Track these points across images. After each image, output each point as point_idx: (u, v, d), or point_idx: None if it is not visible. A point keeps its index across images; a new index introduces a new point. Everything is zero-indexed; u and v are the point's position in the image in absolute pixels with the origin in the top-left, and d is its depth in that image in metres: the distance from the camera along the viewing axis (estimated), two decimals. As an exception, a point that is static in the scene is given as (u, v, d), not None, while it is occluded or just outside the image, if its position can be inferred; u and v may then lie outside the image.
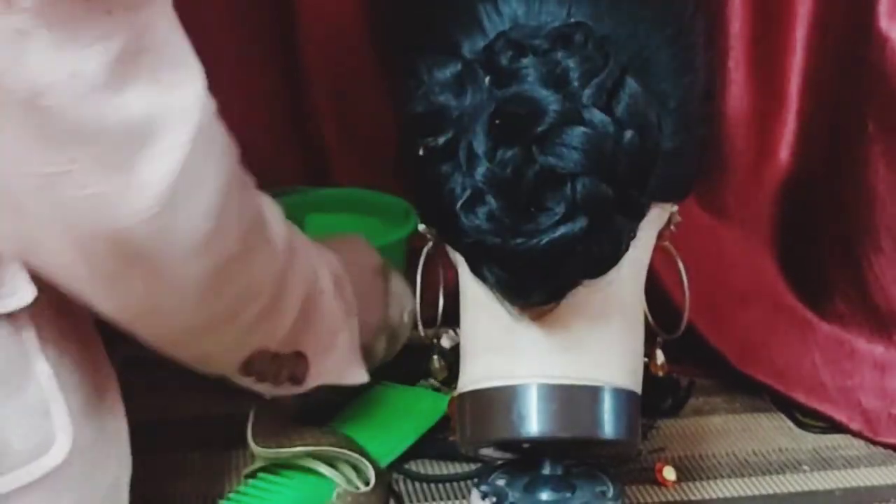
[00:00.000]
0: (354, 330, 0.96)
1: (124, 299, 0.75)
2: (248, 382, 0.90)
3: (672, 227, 0.96)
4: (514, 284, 0.84)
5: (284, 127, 1.38)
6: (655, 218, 0.90)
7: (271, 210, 0.85)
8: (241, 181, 0.77)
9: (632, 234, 0.84)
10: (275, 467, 0.98)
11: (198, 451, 1.08)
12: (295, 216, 1.33)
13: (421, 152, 0.83)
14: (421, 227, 0.97)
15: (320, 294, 0.89)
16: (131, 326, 0.78)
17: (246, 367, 0.87)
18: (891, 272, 1.18)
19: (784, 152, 1.31)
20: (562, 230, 0.79)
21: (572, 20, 0.83)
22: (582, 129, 0.79)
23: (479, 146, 0.80)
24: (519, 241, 0.80)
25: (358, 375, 0.96)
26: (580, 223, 0.79)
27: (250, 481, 0.98)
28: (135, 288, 0.73)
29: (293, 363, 0.91)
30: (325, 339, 0.91)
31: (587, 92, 0.80)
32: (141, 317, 0.77)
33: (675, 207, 0.95)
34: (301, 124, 1.37)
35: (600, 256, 0.83)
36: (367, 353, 1.00)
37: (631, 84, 0.81)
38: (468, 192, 0.80)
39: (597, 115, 0.79)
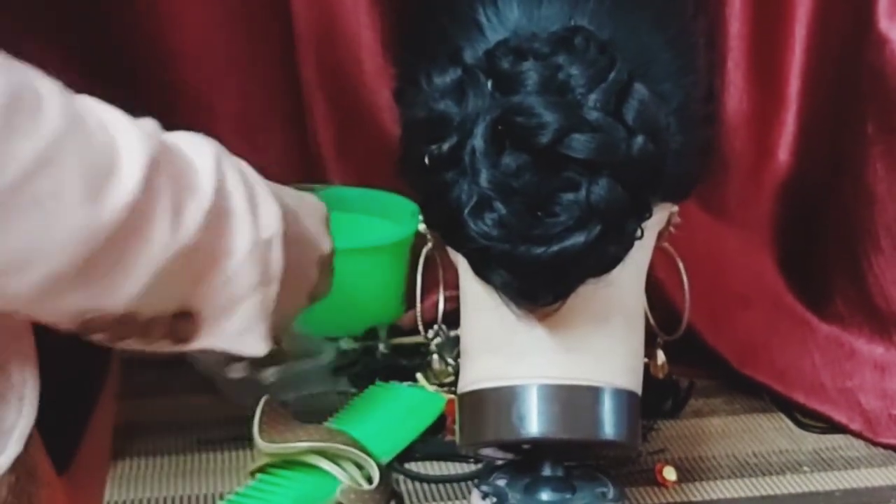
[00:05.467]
0: (269, 299, 0.86)
1: None
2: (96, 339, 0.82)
3: (672, 228, 0.96)
4: (522, 288, 0.84)
5: (284, 127, 1.39)
6: (656, 219, 0.90)
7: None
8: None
9: (639, 235, 0.84)
10: (280, 464, 0.98)
11: (198, 451, 1.08)
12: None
13: (426, 159, 0.83)
14: (421, 227, 0.97)
15: (225, 256, 0.82)
16: None
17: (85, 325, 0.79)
18: (890, 273, 1.18)
19: (784, 153, 1.31)
20: (575, 236, 0.79)
21: (573, 24, 0.83)
22: (589, 134, 0.79)
23: (483, 152, 0.80)
24: (529, 247, 0.80)
25: (257, 347, 0.87)
26: (595, 229, 0.79)
27: (255, 477, 0.98)
28: None
29: (172, 323, 0.83)
30: (223, 302, 0.84)
31: (593, 97, 0.80)
32: None
33: (676, 208, 0.95)
34: (301, 124, 1.37)
35: (609, 258, 0.83)
36: (284, 324, 0.93)
37: (639, 89, 0.81)
38: (475, 199, 0.80)
39: (604, 120, 0.79)
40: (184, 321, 0.82)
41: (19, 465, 0.79)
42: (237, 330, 0.85)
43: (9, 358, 0.81)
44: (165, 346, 0.83)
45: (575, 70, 0.80)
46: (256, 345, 0.86)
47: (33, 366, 0.82)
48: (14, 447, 0.79)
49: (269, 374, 1.14)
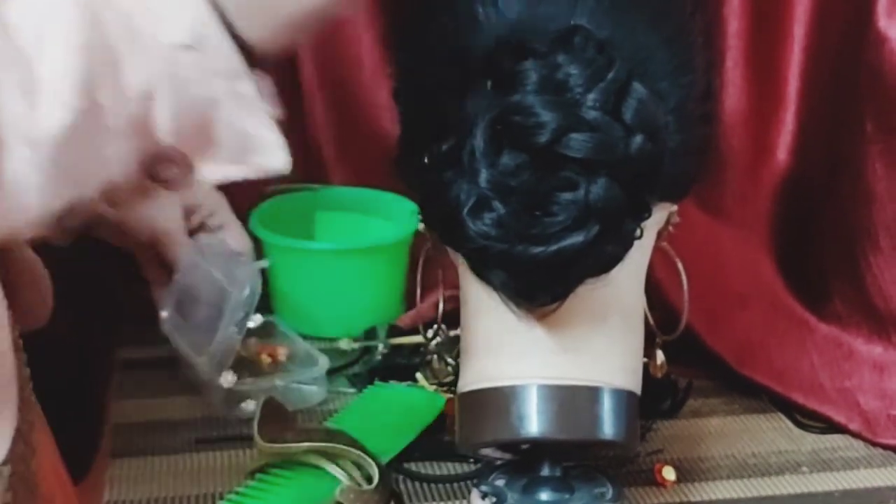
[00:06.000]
0: (244, 94, 0.66)
1: None
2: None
3: (670, 228, 0.96)
4: (521, 288, 0.84)
5: (284, 127, 1.38)
6: (655, 218, 0.90)
7: None
8: None
9: (638, 235, 0.84)
10: (279, 464, 0.98)
11: (197, 451, 1.08)
12: (305, 214, 1.35)
13: (424, 158, 0.83)
14: (421, 226, 0.97)
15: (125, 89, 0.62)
16: None
17: None
18: (889, 272, 1.18)
19: (782, 152, 1.31)
20: (574, 236, 0.79)
21: (572, 23, 0.83)
22: (587, 134, 0.79)
23: (482, 152, 0.80)
24: (527, 246, 0.80)
25: (273, 157, 0.68)
26: (593, 229, 0.79)
27: (255, 477, 0.98)
28: None
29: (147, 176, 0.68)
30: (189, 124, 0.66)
31: (591, 96, 0.80)
32: None
33: (675, 207, 0.95)
34: (301, 124, 1.37)
35: (608, 258, 0.83)
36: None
37: (638, 88, 0.81)
38: (473, 199, 0.80)
39: (603, 120, 0.79)
40: (162, 165, 0.67)
41: (18, 481, 0.75)
42: (232, 154, 0.67)
43: None
44: (163, 194, 0.71)
45: (574, 69, 0.80)
46: (270, 157, 0.68)
47: (13, 392, 0.75)
48: None
49: (261, 384, 1.14)
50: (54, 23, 0.61)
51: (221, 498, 0.98)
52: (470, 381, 0.91)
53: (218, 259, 1.13)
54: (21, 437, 0.75)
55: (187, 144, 0.66)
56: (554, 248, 0.79)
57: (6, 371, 0.75)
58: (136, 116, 0.63)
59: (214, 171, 0.67)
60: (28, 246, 0.78)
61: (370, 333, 1.27)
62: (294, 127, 1.37)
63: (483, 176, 0.80)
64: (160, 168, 0.66)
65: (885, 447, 1.11)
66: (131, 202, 0.68)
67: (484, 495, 0.92)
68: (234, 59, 0.64)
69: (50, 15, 0.61)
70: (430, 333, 1.06)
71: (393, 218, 1.31)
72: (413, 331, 1.24)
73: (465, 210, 0.80)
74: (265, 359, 1.19)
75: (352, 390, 1.18)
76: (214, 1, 0.63)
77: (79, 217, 0.66)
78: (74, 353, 0.86)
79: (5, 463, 0.73)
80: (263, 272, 1.14)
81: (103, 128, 0.62)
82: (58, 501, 0.83)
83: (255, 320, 1.14)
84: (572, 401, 0.88)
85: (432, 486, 1.03)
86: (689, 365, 1.19)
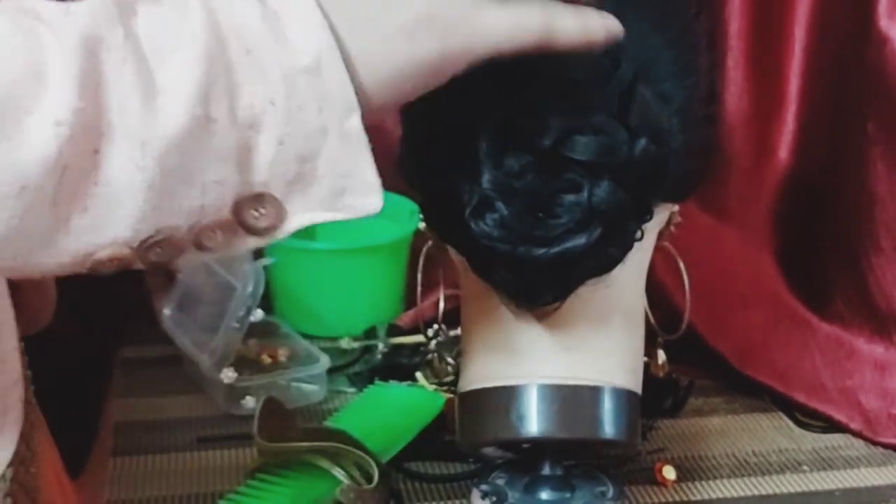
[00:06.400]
0: (352, 132, 0.65)
1: None
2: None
3: (672, 228, 0.96)
4: (522, 288, 0.84)
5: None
6: (657, 219, 0.90)
7: None
8: None
9: (639, 237, 0.84)
10: (280, 463, 0.98)
11: (197, 451, 1.08)
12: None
13: (427, 158, 0.83)
14: (421, 226, 0.97)
15: (248, 126, 0.63)
16: None
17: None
18: (891, 272, 1.18)
19: (784, 152, 1.31)
20: (577, 238, 0.79)
21: None
22: (592, 136, 0.79)
23: (486, 153, 0.79)
24: (530, 248, 0.79)
25: (367, 203, 0.68)
26: (596, 231, 0.79)
27: (255, 476, 0.98)
28: None
29: (236, 218, 0.66)
30: (288, 170, 0.65)
31: (596, 99, 0.80)
32: None
33: (676, 208, 0.95)
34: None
35: (609, 259, 0.83)
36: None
37: (642, 91, 0.81)
38: (476, 199, 0.80)
39: (607, 123, 0.79)
40: (253, 208, 0.65)
41: (17, 486, 0.74)
42: (327, 194, 0.66)
43: None
44: (251, 243, 0.67)
45: (580, 72, 0.80)
46: (364, 198, 0.67)
47: (19, 393, 0.75)
48: None
49: (261, 380, 1.14)
50: (179, 35, 0.61)
51: (222, 497, 0.98)
52: (470, 380, 0.91)
53: (220, 256, 1.13)
54: (23, 439, 0.75)
55: (284, 180, 0.65)
56: (557, 249, 0.79)
57: (13, 372, 0.75)
58: (243, 143, 0.63)
59: (305, 218, 0.66)
60: None
61: (370, 333, 1.27)
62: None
63: (486, 177, 0.79)
64: (253, 211, 0.65)
65: (886, 446, 1.11)
66: (217, 248, 0.66)
67: (484, 494, 0.92)
68: (350, 92, 0.64)
69: (175, 29, 0.62)
70: (430, 333, 1.06)
71: (393, 218, 1.31)
72: (413, 330, 1.24)
73: (468, 210, 0.80)
74: (266, 358, 1.19)
75: (352, 390, 1.18)
76: (339, 38, 0.64)
77: (168, 253, 0.64)
78: (76, 352, 0.86)
79: (9, 465, 0.73)
80: (265, 270, 1.14)
81: (211, 146, 0.62)
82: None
83: (256, 315, 1.15)
84: (573, 400, 0.88)
85: (432, 485, 1.03)
86: (691, 364, 1.19)
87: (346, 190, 0.66)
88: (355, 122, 0.64)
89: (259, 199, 0.65)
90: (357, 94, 0.64)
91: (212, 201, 0.63)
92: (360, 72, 0.65)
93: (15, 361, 0.75)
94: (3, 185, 0.58)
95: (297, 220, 0.66)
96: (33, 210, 0.59)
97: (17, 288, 0.78)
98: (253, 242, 0.67)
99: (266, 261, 1.16)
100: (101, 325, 0.91)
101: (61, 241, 0.61)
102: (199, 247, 0.65)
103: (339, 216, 0.67)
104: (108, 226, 0.61)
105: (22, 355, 0.76)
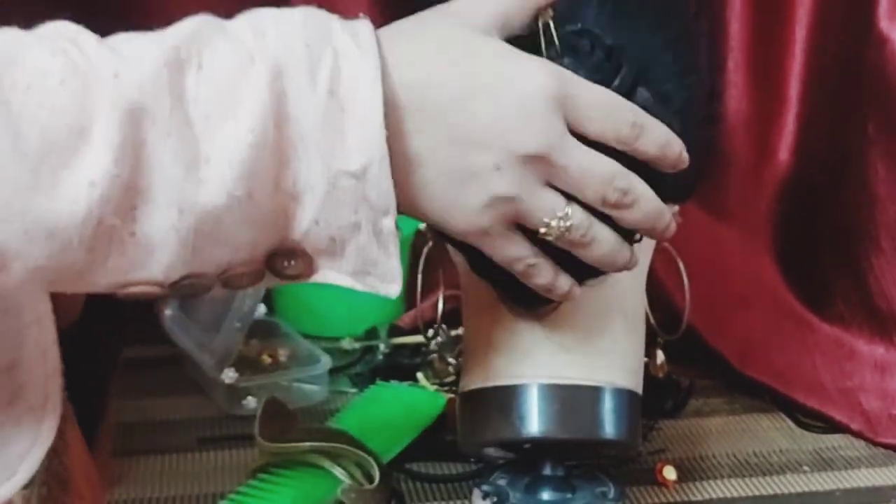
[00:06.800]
0: (386, 231, 0.70)
1: None
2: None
3: (672, 228, 0.96)
4: (522, 288, 0.84)
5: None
6: (657, 219, 0.90)
7: None
8: None
9: (638, 238, 0.84)
10: (281, 463, 0.98)
11: (198, 451, 1.08)
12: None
13: None
14: (422, 226, 0.97)
15: (289, 198, 0.66)
16: None
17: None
18: (891, 273, 1.18)
19: (784, 153, 1.31)
20: None
21: (579, 27, 0.83)
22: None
23: None
24: None
25: (388, 287, 0.72)
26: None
27: (256, 476, 0.98)
28: None
29: (268, 266, 0.70)
30: (321, 242, 0.69)
31: None
32: None
33: (676, 208, 0.95)
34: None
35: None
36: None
37: (643, 93, 0.81)
38: None
39: None
40: (285, 259, 0.68)
41: (51, 476, 0.76)
42: (353, 270, 0.70)
43: (31, 376, 0.74)
44: (278, 283, 0.70)
45: (580, 74, 0.80)
46: (386, 285, 0.71)
47: (58, 384, 0.76)
48: (23, 475, 0.73)
49: (263, 381, 1.14)
50: (236, 101, 0.62)
51: (224, 497, 0.98)
52: (471, 380, 0.91)
53: None
54: (58, 430, 0.76)
55: (316, 248, 0.68)
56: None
57: (53, 363, 0.76)
58: (281, 211, 0.65)
59: (331, 276, 0.69)
60: None
61: (371, 333, 1.27)
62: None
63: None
64: (284, 262, 0.68)
65: (887, 447, 1.11)
66: (244, 286, 0.69)
67: (485, 495, 0.92)
68: (390, 199, 0.66)
69: (234, 92, 0.62)
70: (430, 333, 1.06)
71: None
72: (414, 330, 1.24)
73: None
74: (266, 358, 1.20)
75: (353, 390, 1.18)
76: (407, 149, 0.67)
77: (195, 289, 0.67)
78: (77, 352, 0.86)
79: (46, 455, 0.74)
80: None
81: (248, 216, 0.64)
82: (87, 498, 0.83)
83: (259, 311, 1.15)
84: (574, 400, 0.88)
85: (433, 485, 1.03)
86: (691, 365, 1.19)
87: (370, 273, 0.70)
88: (388, 223, 0.68)
89: (291, 253, 0.68)
90: (398, 197, 0.67)
91: (244, 257, 0.66)
92: (408, 177, 0.68)
93: (55, 353, 0.76)
94: (31, 231, 0.59)
95: (324, 275, 0.69)
96: (63, 254, 0.61)
97: None
98: (279, 283, 0.70)
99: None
100: (102, 325, 0.91)
101: (97, 276, 0.64)
102: (227, 285, 0.68)
103: (361, 288, 0.71)
104: (141, 268, 0.64)
105: (57, 348, 0.78)
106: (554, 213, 0.71)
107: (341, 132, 0.64)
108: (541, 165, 0.69)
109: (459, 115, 0.68)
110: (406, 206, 0.69)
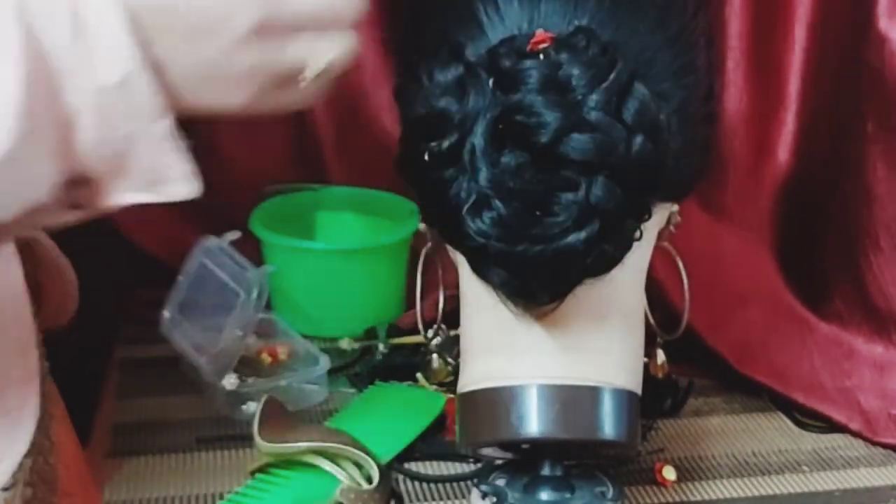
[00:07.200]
0: (159, 135, 0.69)
1: None
2: None
3: (672, 228, 0.96)
4: (520, 287, 0.84)
5: (284, 126, 1.38)
6: (656, 218, 0.90)
7: None
8: None
9: (638, 236, 0.84)
10: (280, 463, 0.98)
11: (197, 451, 1.08)
12: (305, 214, 1.35)
13: (425, 156, 0.83)
14: (421, 226, 0.97)
15: (65, 126, 0.65)
16: None
17: None
18: (890, 272, 1.18)
19: (783, 152, 1.31)
20: (574, 236, 0.79)
21: (576, 24, 0.83)
22: (589, 134, 0.79)
23: (483, 150, 0.80)
24: (527, 246, 0.80)
25: (176, 190, 0.70)
26: (592, 228, 0.79)
27: (255, 477, 0.98)
28: None
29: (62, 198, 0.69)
30: (106, 160, 0.68)
31: (594, 97, 0.80)
32: None
33: (676, 208, 0.95)
34: (301, 124, 1.37)
35: (608, 259, 0.83)
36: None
37: (639, 89, 0.81)
38: (473, 197, 0.80)
39: (604, 120, 0.79)
40: (79, 189, 0.68)
41: (35, 476, 0.75)
42: (145, 183, 0.69)
43: (8, 377, 0.73)
44: (70, 217, 0.70)
45: (576, 70, 0.80)
46: (181, 187, 0.69)
47: (36, 386, 0.76)
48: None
49: (263, 386, 1.13)
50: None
51: (222, 497, 0.98)
52: (470, 380, 0.91)
53: (224, 261, 1.14)
54: (43, 430, 0.75)
55: (102, 169, 0.67)
56: (554, 247, 0.79)
57: (31, 366, 0.75)
58: (64, 138, 0.65)
59: (125, 196, 0.69)
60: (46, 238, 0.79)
61: (370, 333, 1.27)
62: (294, 127, 1.38)
63: (483, 175, 0.80)
64: (74, 190, 0.67)
65: (886, 446, 1.11)
66: (46, 223, 0.70)
67: (484, 495, 0.92)
68: (156, 99, 0.66)
69: None
70: (430, 333, 1.06)
71: (393, 218, 1.31)
72: (413, 331, 1.24)
73: (465, 208, 0.80)
74: (266, 358, 1.19)
75: (352, 390, 1.18)
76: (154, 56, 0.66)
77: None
78: (70, 352, 0.86)
79: (27, 456, 0.73)
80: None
81: (37, 150, 0.64)
82: (77, 498, 0.83)
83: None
84: (573, 401, 0.88)
85: (432, 485, 1.03)
86: (690, 364, 1.19)
87: (159, 181, 0.68)
88: (163, 126, 0.67)
89: (85, 181, 0.67)
90: (168, 97, 0.66)
91: (44, 191, 0.65)
92: (164, 80, 0.67)
93: (33, 356, 0.76)
94: None
95: (120, 197, 0.68)
96: None
97: (39, 283, 0.78)
98: (81, 215, 0.69)
99: (269, 268, 1.16)
100: (96, 325, 0.91)
101: None
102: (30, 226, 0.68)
103: (159, 198, 0.69)
104: None
105: (41, 349, 0.77)
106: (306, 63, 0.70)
107: (93, 49, 0.64)
108: (266, 30, 0.68)
109: (186, 15, 0.67)
110: (175, 107, 0.68)
